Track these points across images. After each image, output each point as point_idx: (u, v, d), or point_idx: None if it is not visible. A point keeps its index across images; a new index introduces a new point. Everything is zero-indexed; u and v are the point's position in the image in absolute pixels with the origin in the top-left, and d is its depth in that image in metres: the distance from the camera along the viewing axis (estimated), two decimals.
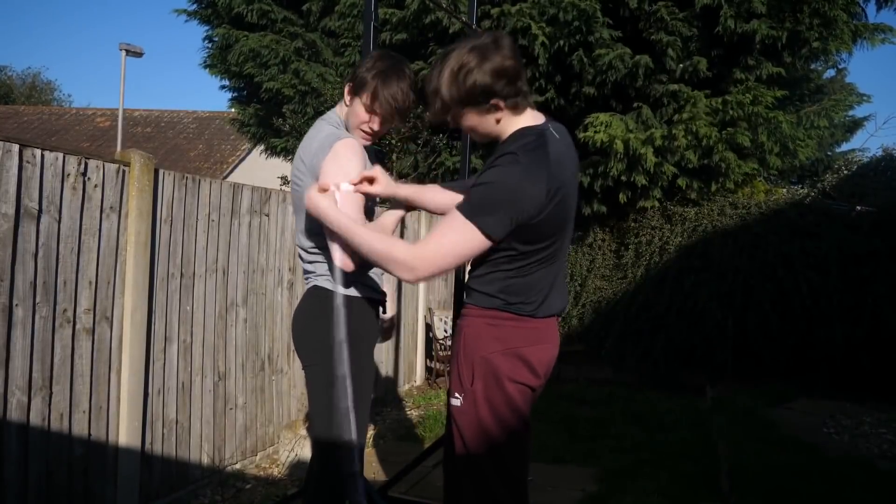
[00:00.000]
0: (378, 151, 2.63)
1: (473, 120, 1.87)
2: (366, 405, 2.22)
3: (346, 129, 2.19)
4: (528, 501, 1.98)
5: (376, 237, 1.86)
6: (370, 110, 2.11)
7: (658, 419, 5.21)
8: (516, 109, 1.86)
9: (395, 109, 2.11)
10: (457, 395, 1.91)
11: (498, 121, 1.86)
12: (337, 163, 2.04)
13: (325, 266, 2.17)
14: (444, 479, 2.05)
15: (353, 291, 2.16)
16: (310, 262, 2.21)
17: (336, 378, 2.05)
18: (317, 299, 2.17)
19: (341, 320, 2.07)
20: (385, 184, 2.08)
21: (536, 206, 1.76)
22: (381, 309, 2.32)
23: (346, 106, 2.18)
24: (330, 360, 2.08)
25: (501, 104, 1.83)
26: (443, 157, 7.42)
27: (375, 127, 2.15)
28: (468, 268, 1.99)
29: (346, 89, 2.16)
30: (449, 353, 5.12)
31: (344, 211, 1.93)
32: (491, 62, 1.78)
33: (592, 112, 6.65)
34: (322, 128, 2.19)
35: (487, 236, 1.75)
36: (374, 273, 2.26)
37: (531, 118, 1.90)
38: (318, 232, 2.12)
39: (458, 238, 1.76)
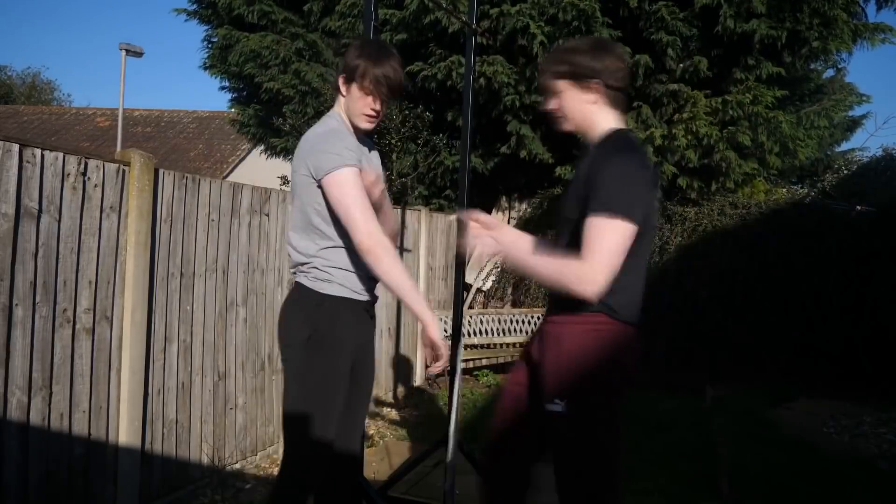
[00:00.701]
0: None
1: (572, 96, 1.97)
2: (330, 412, 2.15)
3: (350, 121, 2.20)
4: None
5: (550, 262, 1.94)
6: (368, 91, 2.13)
7: (658, 419, 5.21)
8: (612, 103, 1.97)
9: (390, 86, 2.14)
10: (557, 401, 1.91)
11: (594, 103, 1.96)
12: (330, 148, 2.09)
13: (311, 264, 2.17)
14: (562, 495, 1.99)
15: (332, 290, 2.15)
16: (297, 259, 2.22)
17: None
18: (297, 295, 2.19)
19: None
20: (505, 232, 2.16)
21: (653, 195, 1.89)
22: (369, 313, 2.28)
23: (344, 96, 2.19)
24: (299, 357, 2.11)
25: (601, 89, 1.94)
26: (442, 157, 7.42)
27: (377, 107, 2.17)
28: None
29: (340, 81, 2.18)
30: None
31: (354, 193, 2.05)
32: (603, 55, 1.94)
33: None
34: (320, 123, 2.21)
35: (634, 222, 1.82)
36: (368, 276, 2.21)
37: (622, 121, 2.01)
38: (306, 229, 2.15)
39: (612, 238, 1.81)
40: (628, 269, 1.87)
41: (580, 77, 1.93)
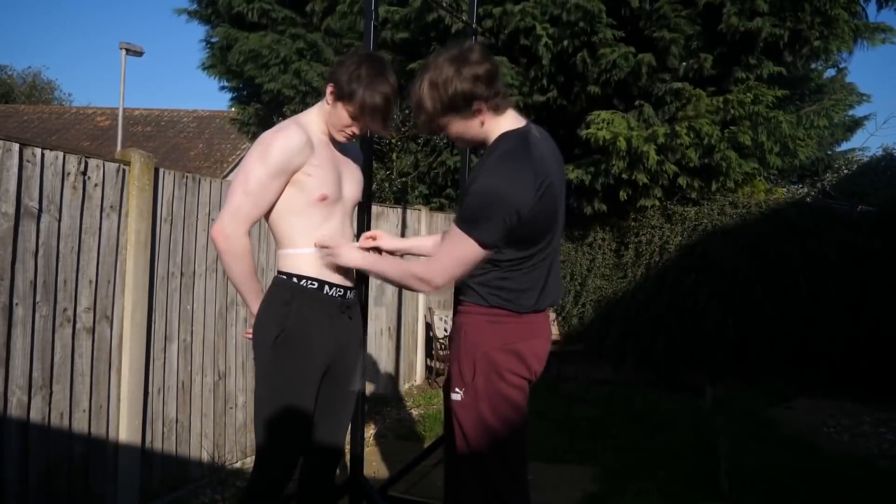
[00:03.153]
0: (372, 148, 2.62)
1: (460, 126, 1.97)
2: (297, 413, 2.13)
3: (328, 128, 2.19)
4: (528, 493, 2.04)
5: (397, 264, 2.13)
6: (354, 116, 2.12)
7: (658, 418, 5.21)
8: (498, 110, 1.96)
9: (380, 117, 2.13)
10: (457, 389, 1.98)
11: (482, 123, 1.96)
12: (255, 155, 2.10)
13: (283, 255, 2.19)
14: (445, 472, 2.10)
15: (300, 289, 2.14)
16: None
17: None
18: (268, 294, 2.18)
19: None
20: (388, 240, 2.35)
21: (526, 205, 1.84)
22: (346, 312, 2.24)
23: (328, 105, 2.16)
24: (267, 357, 2.12)
25: (483, 107, 1.92)
26: (443, 157, 7.42)
27: (357, 131, 2.18)
28: None
29: (329, 90, 2.14)
30: (449, 352, 5.11)
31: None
32: (468, 68, 1.89)
33: (594, 110, 6.65)
34: (280, 126, 2.19)
35: (483, 245, 1.86)
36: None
37: (513, 120, 2.00)
38: (275, 221, 2.16)
39: (462, 250, 1.88)
40: (524, 270, 1.94)
41: (459, 108, 1.92)
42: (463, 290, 2.02)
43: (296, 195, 2.11)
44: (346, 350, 2.25)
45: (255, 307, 2.16)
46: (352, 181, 2.28)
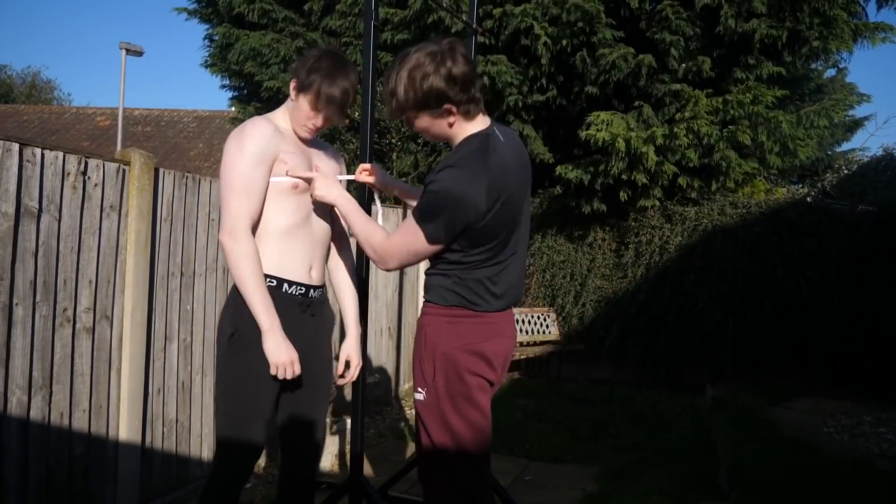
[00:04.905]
0: (372, 148, 2.62)
1: (427, 122, 1.99)
2: (251, 412, 2.13)
3: (293, 124, 2.22)
4: (490, 484, 2.12)
5: (366, 222, 2.11)
6: (315, 108, 2.15)
7: (658, 418, 5.21)
8: (468, 115, 1.97)
9: (338, 107, 2.16)
10: (419, 389, 2.02)
11: (451, 125, 1.98)
12: (231, 151, 2.11)
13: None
14: (418, 470, 2.14)
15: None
16: None
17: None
18: (233, 286, 2.16)
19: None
20: (381, 177, 2.38)
21: (478, 212, 1.88)
22: (310, 310, 2.23)
23: (292, 101, 2.19)
24: (222, 355, 2.14)
25: (454, 109, 1.94)
26: (443, 157, 7.42)
27: (319, 123, 2.20)
28: (426, 266, 2.11)
29: (292, 85, 2.18)
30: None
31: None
32: (446, 68, 1.89)
33: (594, 111, 6.64)
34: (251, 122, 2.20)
35: (432, 241, 1.92)
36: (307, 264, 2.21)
37: (481, 124, 2.00)
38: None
39: (412, 240, 1.95)
40: (481, 270, 1.97)
41: (431, 106, 1.93)
42: (426, 289, 2.07)
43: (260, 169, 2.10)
44: (311, 348, 2.22)
45: (267, 320, 2.06)
46: (327, 172, 2.27)
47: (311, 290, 2.22)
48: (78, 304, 2.77)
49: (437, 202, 1.89)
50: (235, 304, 2.11)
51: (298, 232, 2.17)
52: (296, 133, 2.23)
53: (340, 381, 2.43)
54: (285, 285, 2.15)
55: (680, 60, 6.63)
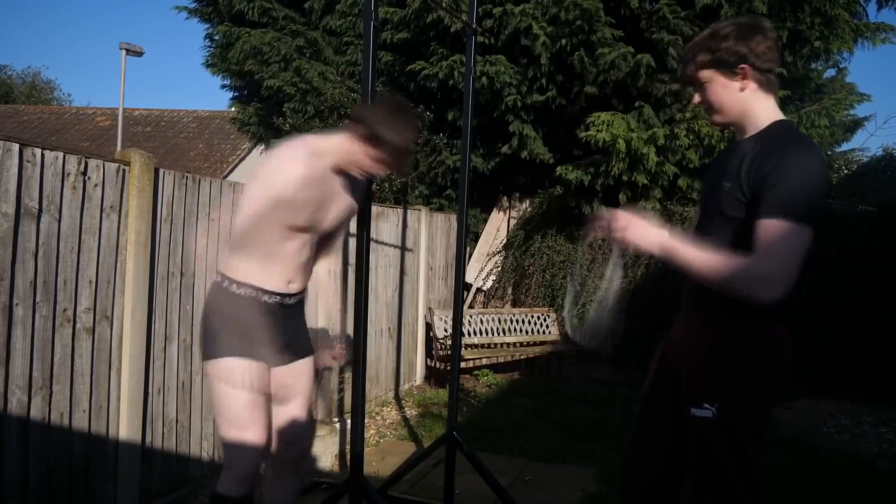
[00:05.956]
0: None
1: (719, 85, 1.85)
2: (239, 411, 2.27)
3: (345, 162, 2.24)
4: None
5: (720, 259, 1.74)
6: (377, 161, 2.19)
7: None
8: (762, 87, 1.85)
9: (399, 164, 2.24)
10: (707, 406, 1.82)
11: (742, 90, 1.84)
12: (266, 173, 2.16)
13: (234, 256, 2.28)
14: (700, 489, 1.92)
15: (233, 288, 2.25)
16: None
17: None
18: (212, 286, 2.33)
19: None
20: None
21: (827, 192, 1.76)
22: (281, 310, 2.31)
23: (352, 143, 2.20)
24: (207, 341, 2.30)
25: (749, 72, 1.81)
26: (443, 157, 7.42)
27: (376, 172, 2.26)
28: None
29: (357, 129, 2.18)
30: (448, 352, 5.10)
31: None
32: (751, 34, 1.81)
33: (594, 111, 6.64)
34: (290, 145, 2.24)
35: (812, 228, 1.70)
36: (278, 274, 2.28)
37: (777, 109, 1.89)
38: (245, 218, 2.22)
39: (795, 242, 1.68)
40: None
41: (724, 64, 1.81)
42: (706, 298, 1.85)
43: (275, 208, 2.16)
44: (292, 342, 2.36)
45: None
46: (336, 212, 2.31)
47: (288, 298, 2.31)
48: (78, 304, 2.77)
49: (806, 187, 1.69)
50: (217, 301, 2.28)
51: (286, 256, 2.25)
52: (342, 167, 2.26)
53: (332, 362, 2.54)
54: (265, 296, 2.25)
55: (679, 60, 6.62)
